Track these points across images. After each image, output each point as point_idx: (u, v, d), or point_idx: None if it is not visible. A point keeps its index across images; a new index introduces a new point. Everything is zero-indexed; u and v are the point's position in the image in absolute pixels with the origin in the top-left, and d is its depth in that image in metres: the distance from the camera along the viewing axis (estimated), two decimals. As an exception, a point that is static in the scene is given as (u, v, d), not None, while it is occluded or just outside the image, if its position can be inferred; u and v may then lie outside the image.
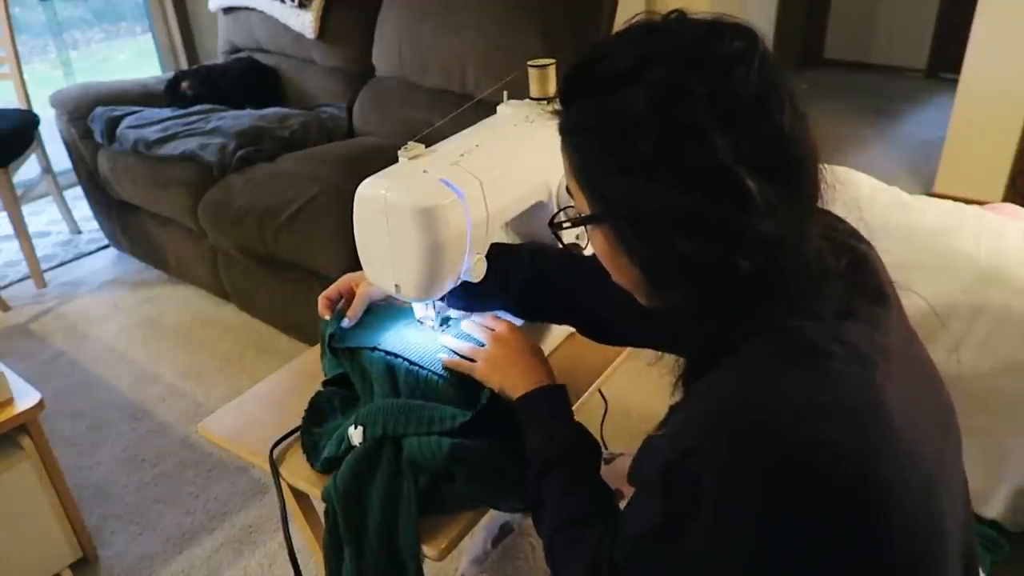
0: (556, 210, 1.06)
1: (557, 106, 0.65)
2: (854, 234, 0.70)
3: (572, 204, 0.69)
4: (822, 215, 0.64)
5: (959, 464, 0.68)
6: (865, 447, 0.55)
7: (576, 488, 0.80)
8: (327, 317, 1.06)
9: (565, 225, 0.70)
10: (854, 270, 0.63)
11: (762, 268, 0.57)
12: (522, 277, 0.97)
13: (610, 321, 0.93)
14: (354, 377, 1.01)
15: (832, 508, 0.54)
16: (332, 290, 1.08)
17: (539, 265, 0.97)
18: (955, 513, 0.63)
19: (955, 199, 1.30)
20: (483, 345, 0.96)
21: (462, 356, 0.96)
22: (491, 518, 1.05)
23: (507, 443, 0.87)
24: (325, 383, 1.05)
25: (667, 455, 0.59)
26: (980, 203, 1.35)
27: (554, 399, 0.89)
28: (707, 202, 0.56)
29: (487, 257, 0.99)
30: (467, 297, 1.02)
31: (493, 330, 0.97)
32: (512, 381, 0.90)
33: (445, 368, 0.96)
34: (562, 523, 0.75)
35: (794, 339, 0.57)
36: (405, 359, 0.98)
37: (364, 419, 0.91)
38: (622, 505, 0.94)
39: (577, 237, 1.11)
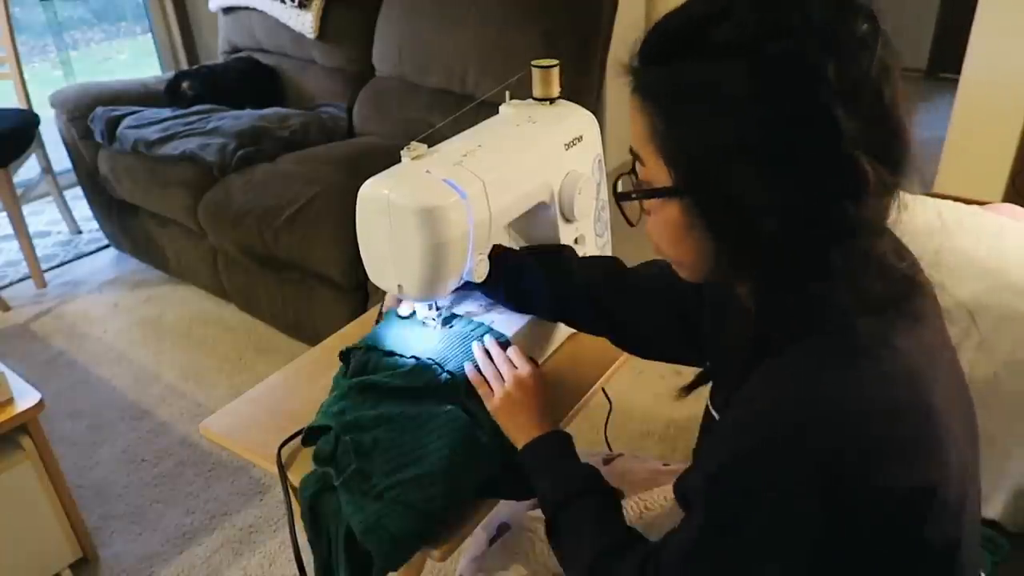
0: (557, 209, 1.06)
1: (635, 62, 0.60)
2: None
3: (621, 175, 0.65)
4: None
5: (979, 476, 0.66)
6: (912, 450, 0.54)
7: (612, 517, 0.79)
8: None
9: (634, 196, 0.64)
10: (910, 270, 0.62)
11: (848, 259, 0.55)
12: (565, 286, 0.98)
13: (650, 336, 0.94)
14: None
15: (878, 512, 0.54)
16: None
17: (584, 275, 0.98)
18: (975, 524, 0.63)
19: (955, 199, 1.30)
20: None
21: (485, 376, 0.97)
22: (490, 517, 1.05)
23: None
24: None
25: (717, 460, 0.57)
26: (980, 203, 1.35)
27: (564, 444, 0.88)
28: (823, 187, 0.54)
29: (528, 261, 1.00)
30: (501, 296, 1.03)
31: (515, 366, 0.96)
32: (519, 423, 0.90)
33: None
34: (603, 549, 0.74)
35: (845, 340, 0.56)
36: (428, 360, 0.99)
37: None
38: (624, 504, 0.94)
39: (577, 241, 1.12)
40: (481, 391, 0.95)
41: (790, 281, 0.58)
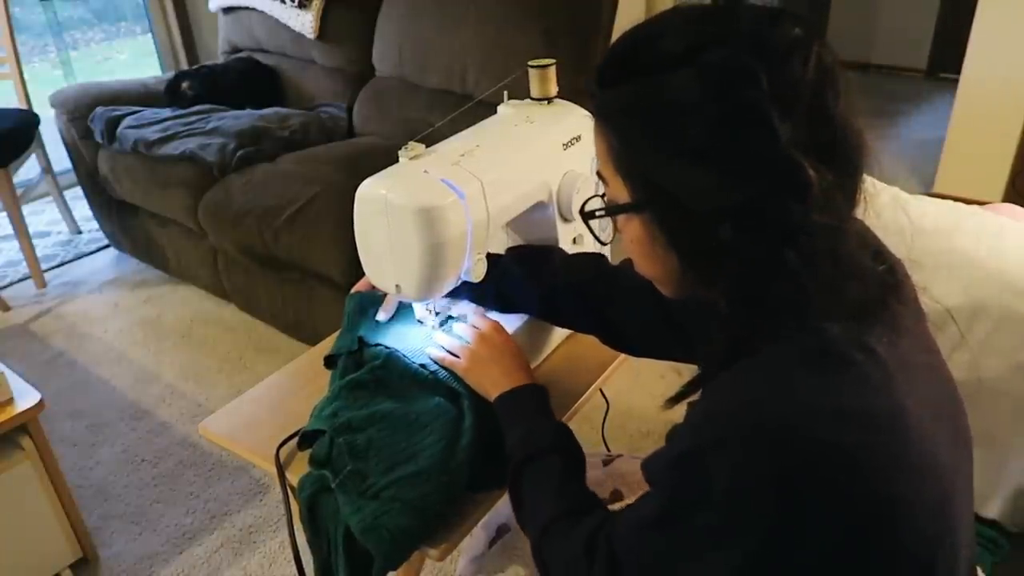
0: (555, 209, 1.06)
1: (593, 87, 0.62)
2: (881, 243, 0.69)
3: (596, 193, 0.68)
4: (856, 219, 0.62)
5: (970, 478, 0.66)
6: (882, 456, 0.54)
7: (574, 478, 0.79)
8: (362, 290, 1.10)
9: (598, 214, 0.66)
10: (887, 274, 0.63)
11: (808, 262, 0.56)
12: (551, 287, 0.98)
13: (637, 334, 0.94)
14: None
15: (842, 516, 0.54)
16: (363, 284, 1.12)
17: (570, 276, 0.98)
18: (965, 527, 0.62)
19: (955, 199, 1.30)
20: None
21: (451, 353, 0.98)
22: (489, 517, 1.05)
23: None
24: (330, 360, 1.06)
25: (681, 446, 0.58)
26: (980, 203, 1.35)
27: (537, 398, 0.89)
28: (765, 190, 0.55)
29: (514, 260, 1.01)
30: (489, 297, 1.04)
31: (479, 329, 0.98)
32: (492, 379, 0.91)
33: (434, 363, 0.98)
34: (561, 512, 0.74)
35: (818, 342, 0.56)
36: (396, 351, 1.00)
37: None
38: (624, 504, 0.94)
39: (575, 240, 1.12)
40: (446, 363, 0.96)
41: (755, 285, 0.59)
